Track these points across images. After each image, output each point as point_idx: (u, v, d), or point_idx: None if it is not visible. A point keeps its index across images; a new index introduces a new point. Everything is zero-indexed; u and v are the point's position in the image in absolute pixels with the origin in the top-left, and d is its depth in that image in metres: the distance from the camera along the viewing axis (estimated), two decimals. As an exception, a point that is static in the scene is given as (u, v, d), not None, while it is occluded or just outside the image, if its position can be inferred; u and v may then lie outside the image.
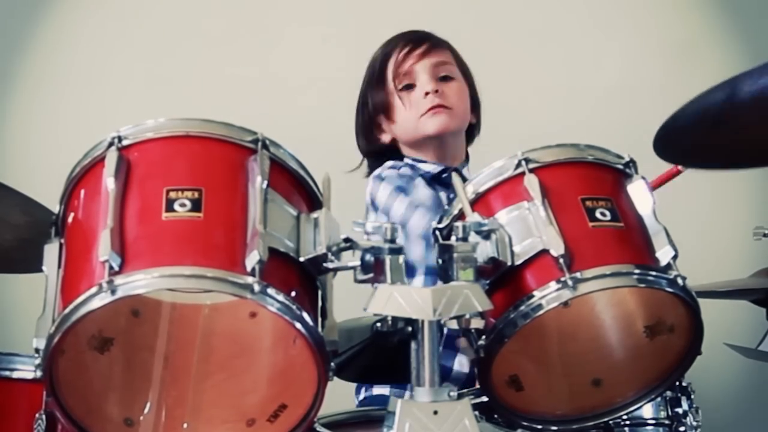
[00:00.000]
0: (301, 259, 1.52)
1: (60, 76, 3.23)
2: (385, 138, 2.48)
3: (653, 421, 1.97)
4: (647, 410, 1.96)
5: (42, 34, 3.25)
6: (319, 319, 1.54)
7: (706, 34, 3.34)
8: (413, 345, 1.57)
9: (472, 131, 2.51)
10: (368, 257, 1.55)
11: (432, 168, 2.42)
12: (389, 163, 2.44)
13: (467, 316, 1.55)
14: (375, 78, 2.46)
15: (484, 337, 1.60)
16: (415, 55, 2.41)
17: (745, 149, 1.96)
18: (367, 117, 2.48)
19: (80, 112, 3.16)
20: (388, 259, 1.56)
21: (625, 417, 1.89)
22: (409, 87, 2.42)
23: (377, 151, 2.48)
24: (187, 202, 1.49)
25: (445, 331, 1.70)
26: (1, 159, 3.22)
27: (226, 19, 3.25)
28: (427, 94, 2.39)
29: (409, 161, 2.45)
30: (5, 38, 3.23)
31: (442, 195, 2.39)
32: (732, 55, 3.28)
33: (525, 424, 1.71)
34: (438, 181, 2.41)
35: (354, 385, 2.37)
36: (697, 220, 3.10)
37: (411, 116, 2.41)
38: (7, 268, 2.09)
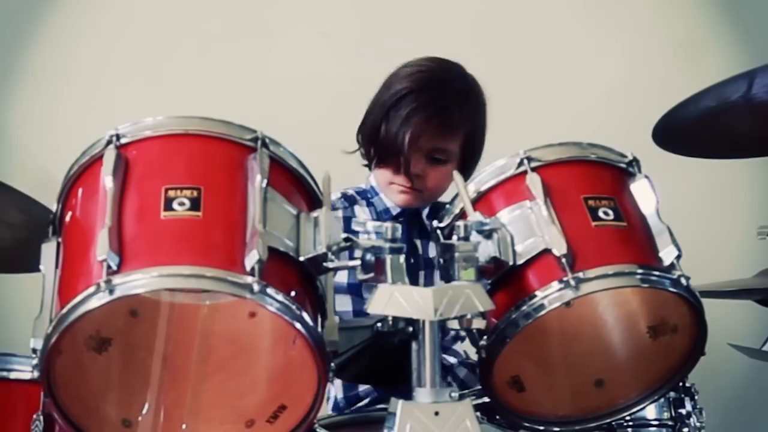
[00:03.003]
0: (301, 259, 1.51)
1: (59, 75, 3.22)
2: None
3: (656, 422, 1.96)
4: (650, 411, 1.95)
5: (41, 33, 3.25)
6: (319, 319, 1.53)
7: (708, 33, 3.33)
8: (414, 345, 1.57)
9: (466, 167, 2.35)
10: (369, 257, 1.54)
11: (392, 205, 2.34)
12: (335, 196, 2.34)
13: (469, 317, 1.55)
14: (384, 112, 2.30)
15: (485, 337, 1.59)
16: (421, 135, 2.25)
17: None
18: (366, 127, 2.37)
19: (79, 111, 3.15)
20: (388, 258, 1.56)
21: (628, 418, 1.88)
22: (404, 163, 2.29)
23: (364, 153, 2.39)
24: (186, 201, 1.48)
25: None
26: (1, 156, 3.22)
27: (225, 17, 3.24)
28: (407, 173, 2.28)
29: (373, 183, 2.36)
30: (4, 37, 3.22)
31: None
32: (733, 54, 3.27)
33: (527, 425, 1.71)
34: (395, 221, 2.33)
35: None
36: (700, 220, 3.09)
37: (385, 175, 2.32)
38: (4, 269, 2.08)
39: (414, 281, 2.22)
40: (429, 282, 2.30)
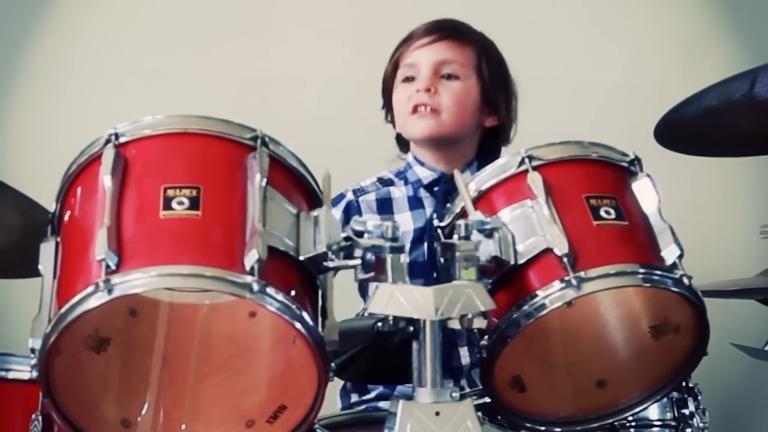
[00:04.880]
0: (301, 258, 1.51)
1: (58, 74, 3.22)
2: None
3: (659, 423, 1.96)
4: (653, 411, 1.95)
5: (41, 33, 3.24)
6: (320, 319, 1.52)
7: (711, 31, 3.32)
8: (415, 345, 1.56)
9: (496, 132, 2.36)
10: (369, 256, 1.54)
11: (425, 175, 2.32)
12: (370, 181, 2.37)
13: (470, 316, 1.54)
14: (391, 63, 2.35)
15: (486, 337, 1.59)
16: (423, 43, 2.29)
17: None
18: (384, 100, 2.39)
19: (79, 110, 3.15)
20: (389, 257, 1.55)
21: (630, 418, 1.88)
22: (411, 79, 2.31)
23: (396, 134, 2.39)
24: (185, 200, 1.47)
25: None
26: (1, 155, 3.21)
27: (225, 16, 3.24)
28: (418, 91, 2.27)
29: (410, 159, 2.37)
30: (4, 37, 3.22)
31: (428, 209, 2.30)
32: (735, 52, 3.26)
33: (528, 425, 1.70)
34: (429, 191, 2.32)
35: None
36: (702, 219, 3.09)
37: (401, 113, 2.31)
38: (3, 273, 2.07)
39: None
40: None
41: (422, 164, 2.34)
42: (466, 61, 2.30)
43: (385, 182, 2.37)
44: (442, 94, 2.27)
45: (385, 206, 2.32)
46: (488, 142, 2.38)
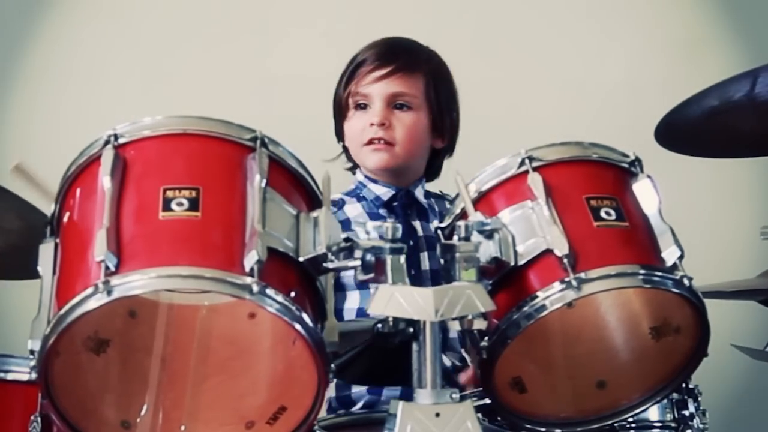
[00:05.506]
0: (301, 259, 1.51)
1: (58, 75, 3.22)
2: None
3: (659, 424, 1.95)
4: (653, 413, 1.95)
5: (41, 33, 3.24)
6: (319, 320, 1.52)
7: (711, 31, 3.32)
8: (415, 346, 1.56)
9: (440, 153, 2.39)
10: (369, 257, 1.54)
11: (382, 192, 2.34)
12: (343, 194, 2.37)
13: (470, 317, 1.54)
14: (342, 86, 2.38)
15: (486, 338, 1.59)
16: (376, 77, 2.31)
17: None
18: (335, 114, 2.41)
19: (78, 111, 3.14)
20: (389, 258, 1.55)
21: (630, 419, 1.87)
22: (363, 107, 2.33)
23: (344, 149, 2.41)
24: (185, 201, 1.47)
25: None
26: (1, 155, 3.21)
27: (225, 16, 3.24)
28: (372, 125, 2.30)
29: (361, 178, 2.37)
30: (4, 37, 3.22)
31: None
32: (736, 52, 3.26)
33: (528, 426, 1.70)
34: (388, 207, 2.34)
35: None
36: (703, 220, 3.09)
37: (356, 142, 2.33)
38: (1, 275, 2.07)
39: (416, 263, 2.24)
40: (433, 262, 2.28)
41: (376, 182, 2.36)
42: (417, 92, 2.33)
43: (337, 203, 2.36)
44: (395, 127, 2.30)
45: (343, 226, 2.33)
46: (434, 159, 2.41)
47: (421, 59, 2.36)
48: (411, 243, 2.26)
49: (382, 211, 2.34)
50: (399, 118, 2.31)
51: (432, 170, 2.41)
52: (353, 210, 2.35)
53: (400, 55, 2.34)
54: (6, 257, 1.93)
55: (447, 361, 2.23)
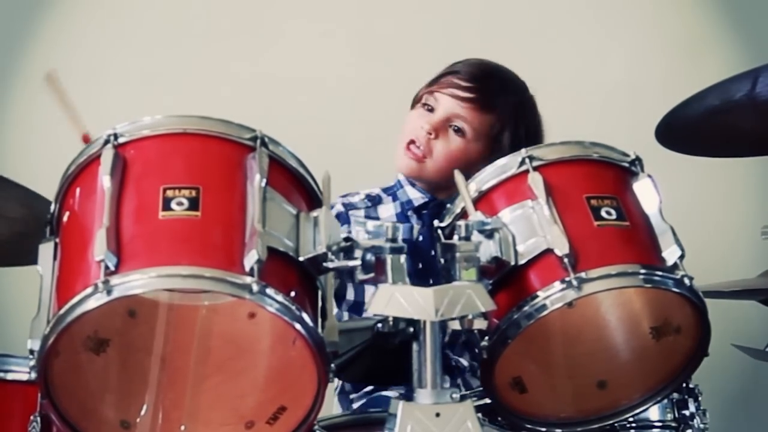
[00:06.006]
0: (301, 259, 1.50)
1: (58, 75, 3.21)
2: None
3: (660, 424, 1.95)
4: (654, 412, 1.95)
5: (41, 33, 3.24)
6: (319, 320, 1.52)
7: (711, 31, 3.32)
8: (415, 346, 1.56)
9: None
10: (369, 256, 1.53)
11: (416, 197, 2.35)
12: (359, 197, 2.39)
13: (470, 317, 1.54)
14: (431, 81, 2.36)
15: (487, 338, 1.58)
16: (452, 94, 2.31)
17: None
18: (413, 102, 2.41)
19: (78, 110, 3.14)
20: (389, 258, 1.55)
21: (631, 419, 1.86)
22: (430, 110, 2.33)
23: None
24: (185, 201, 1.47)
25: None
26: (1, 155, 3.21)
27: (224, 15, 3.23)
28: (422, 128, 2.30)
29: (401, 177, 2.38)
30: (5, 34, 3.22)
31: (415, 227, 2.32)
32: (737, 52, 3.26)
33: (529, 426, 1.70)
34: (417, 213, 2.35)
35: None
36: (704, 219, 3.08)
37: (404, 134, 2.34)
38: (3, 262, 2.07)
39: (435, 272, 2.26)
40: None
41: (413, 185, 2.37)
42: (480, 126, 2.32)
43: (374, 199, 2.39)
44: (440, 143, 2.30)
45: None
46: None
47: (505, 98, 2.35)
48: (432, 253, 2.27)
49: (412, 216, 2.36)
50: (449, 139, 2.31)
51: None
52: (385, 211, 2.36)
53: (486, 88, 2.33)
54: (10, 245, 1.93)
55: (464, 362, 2.23)
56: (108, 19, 3.23)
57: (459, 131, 2.31)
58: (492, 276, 1.59)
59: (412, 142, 2.31)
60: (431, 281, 2.12)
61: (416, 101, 2.37)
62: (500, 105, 2.33)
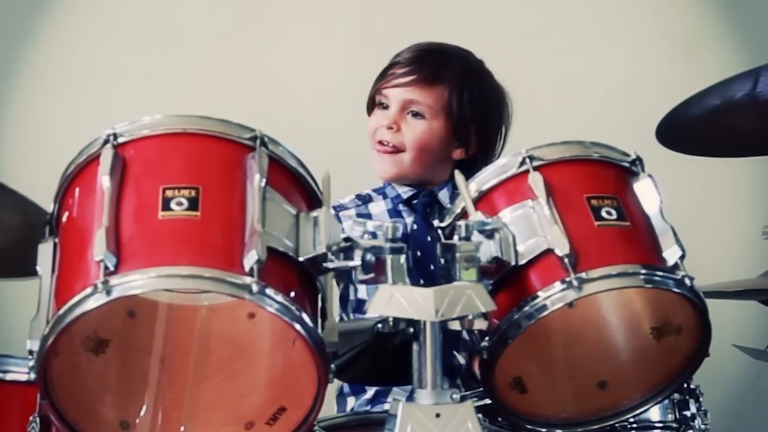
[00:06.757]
0: (301, 259, 1.50)
1: (58, 74, 3.22)
2: None
3: (660, 425, 1.95)
4: (654, 413, 1.95)
5: (41, 33, 3.24)
6: (319, 320, 1.51)
7: (712, 30, 3.32)
8: (415, 346, 1.55)
9: (474, 161, 2.36)
10: (369, 257, 1.53)
11: (403, 190, 2.38)
12: (349, 198, 2.41)
13: (470, 317, 1.54)
14: (374, 85, 2.41)
15: (487, 338, 1.58)
16: (397, 83, 2.34)
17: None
18: (367, 108, 2.44)
19: (78, 110, 3.15)
20: (389, 258, 1.54)
21: (631, 420, 1.87)
22: (385, 107, 2.37)
23: None
24: (184, 201, 1.47)
25: None
26: (1, 155, 3.21)
27: (224, 15, 3.23)
28: (382, 126, 2.34)
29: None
30: (4, 37, 3.22)
31: (408, 220, 2.35)
32: (737, 51, 3.26)
33: (529, 427, 1.69)
34: (409, 204, 2.37)
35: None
36: (704, 219, 3.08)
37: (370, 138, 2.37)
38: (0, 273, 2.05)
39: (433, 259, 2.26)
40: None
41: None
42: (434, 102, 2.34)
43: (364, 198, 2.42)
44: (404, 132, 2.33)
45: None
46: (469, 168, 2.40)
47: (447, 68, 2.37)
48: (429, 239, 2.28)
49: (403, 209, 2.38)
50: (410, 125, 2.33)
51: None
52: (377, 208, 2.39)
53: (425, 65, 2.35)
54: (6, 254, 1.92)
55: (461, 359, 2.23)
56: (108, 19, 3.23)
57: (417, 115, 2.33)
58: (492, 276, 1.59)
59: (379, 142, 2.34)
60: (431, 266, 2.14)
61: (371, 105, 2.41)
62: (445, 75, 2.36)
